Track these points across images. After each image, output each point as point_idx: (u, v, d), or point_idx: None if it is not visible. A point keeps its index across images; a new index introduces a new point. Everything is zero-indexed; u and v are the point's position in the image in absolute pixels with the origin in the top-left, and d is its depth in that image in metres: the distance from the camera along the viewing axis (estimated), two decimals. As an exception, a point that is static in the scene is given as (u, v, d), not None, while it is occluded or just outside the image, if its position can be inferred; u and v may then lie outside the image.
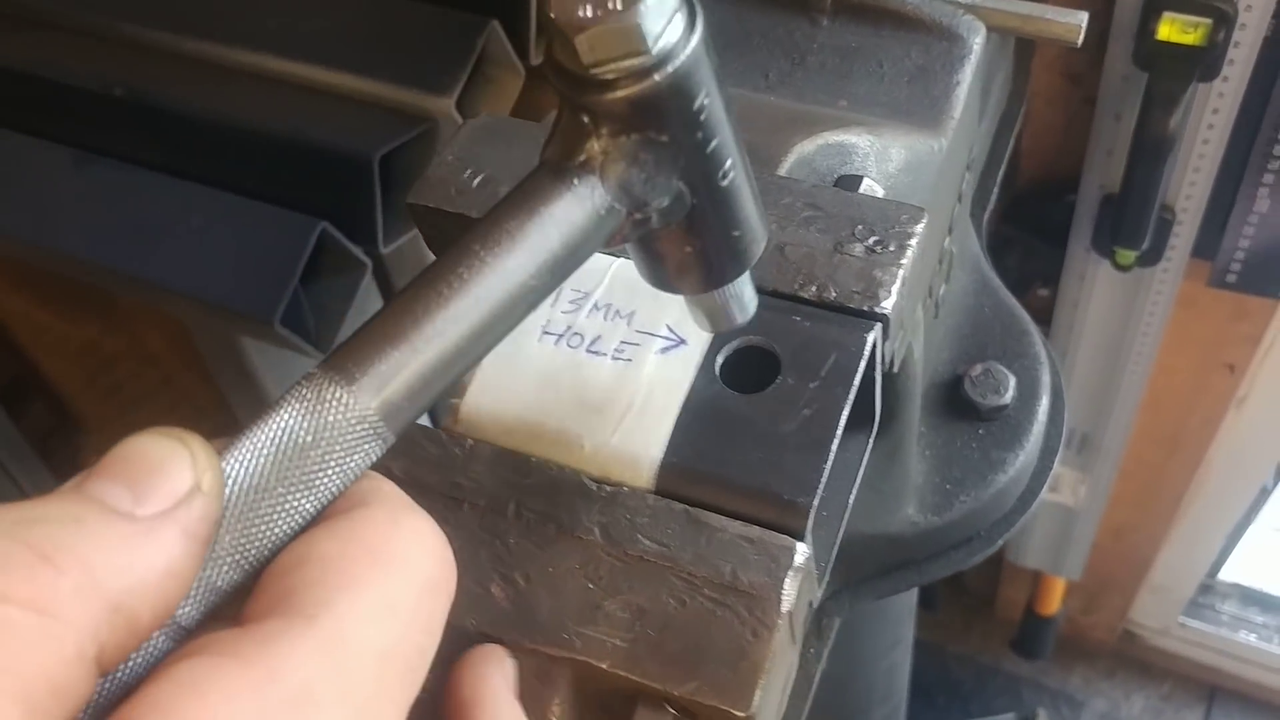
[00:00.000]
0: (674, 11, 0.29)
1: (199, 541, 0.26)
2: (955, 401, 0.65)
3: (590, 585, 0.38)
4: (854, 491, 0.44)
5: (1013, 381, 0.65)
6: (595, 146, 0.30)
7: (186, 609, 0.27)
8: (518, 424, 0.40)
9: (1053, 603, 1.66)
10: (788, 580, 0.36)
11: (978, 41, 0.57)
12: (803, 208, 0.43)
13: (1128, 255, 0.96)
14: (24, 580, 0.23)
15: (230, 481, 0.27)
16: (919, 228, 0.42)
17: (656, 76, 0.29)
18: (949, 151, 0.54)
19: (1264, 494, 1.41)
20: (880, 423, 0.55)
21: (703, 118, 0.30)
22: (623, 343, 0.41)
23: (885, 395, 0.53)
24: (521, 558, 0.39)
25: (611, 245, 0.32)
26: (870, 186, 0.45)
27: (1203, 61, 0.78)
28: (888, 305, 0.40)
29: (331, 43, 0.85)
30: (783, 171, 0.46)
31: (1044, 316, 1.16)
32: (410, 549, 0.29)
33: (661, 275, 0.35)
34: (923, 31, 0.57)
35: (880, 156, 0.49)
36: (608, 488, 0.39)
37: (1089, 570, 1.60)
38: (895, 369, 0.45)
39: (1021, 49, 0.82)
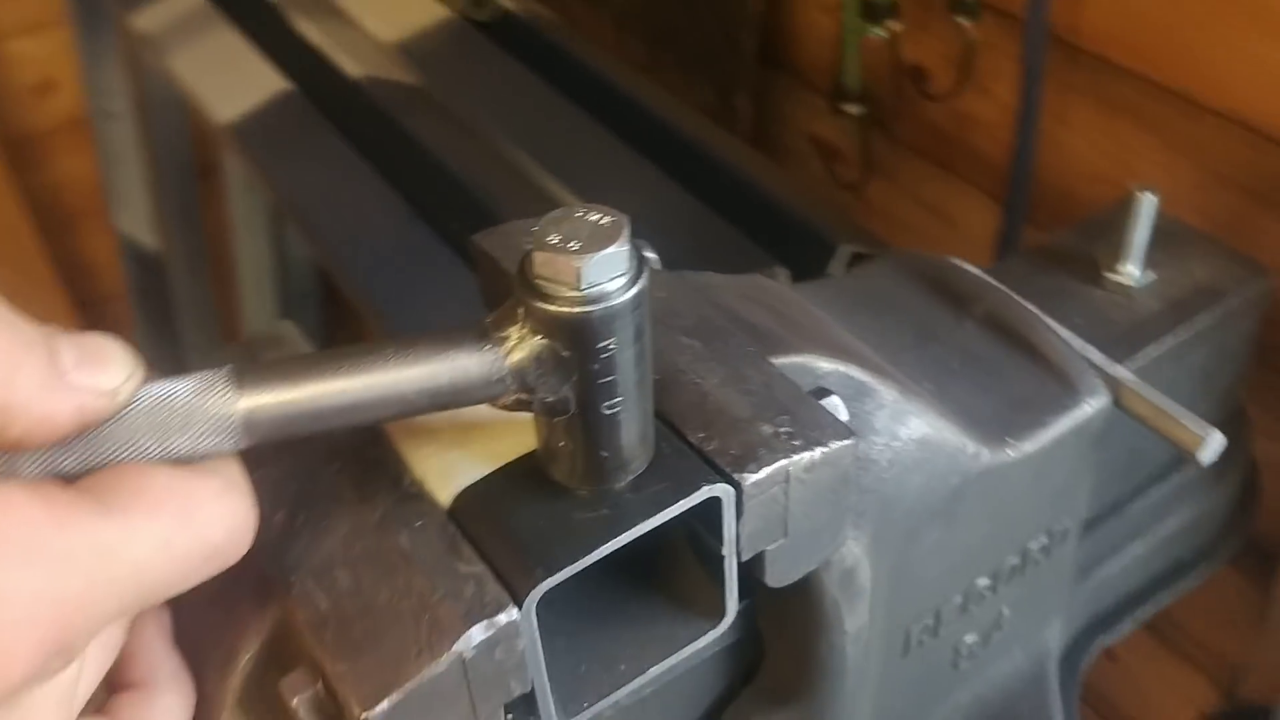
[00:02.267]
0: (618, 273, 0.35)
1: (79, 425, 0.32)
2: (937, 764, 0.60)
3: (342, 549, 0.39)
4: (662, 664, 0.42)
5: (1001, 779, 0.58)
6: (514, 331, 0.37)
7: (29, 467, 0.32)
8: None
9: None
10: (475, 628, 0.36)
11: (1092, 402, 0.55)
12: (757, 385, 0.43)
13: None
14: None
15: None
16: (837, 444, 0.41)
17: (575, 309, 0.35)
18: (994, 474, 0.52)
19: None
20: (790, 684, 0.52)
21: (604, 356, 0.36)
22: (521, 395, 0.43)
23: (797, 646, 0.50)
24: (313, 503, 0.41)
25: (498, 406, 0.38)
26: (835, 405, 0.44)
27: None
28: (748, 477, 0.39)
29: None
30: (778, 363, 0.46)
31: None
32: (215, 520, 0.34)
33: (539, 452, 0.40)
34: (1047, 371, 0.56)
35: (896, 415, 0.48)
36: (415, 489, 0.40)
37: None
38: (767, 578, 0.43)
39: (1247, 504, 0.76)
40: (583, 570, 0.45)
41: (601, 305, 0.35)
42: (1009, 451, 0.52)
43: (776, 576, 0.43)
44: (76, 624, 0.30)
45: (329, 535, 0.40)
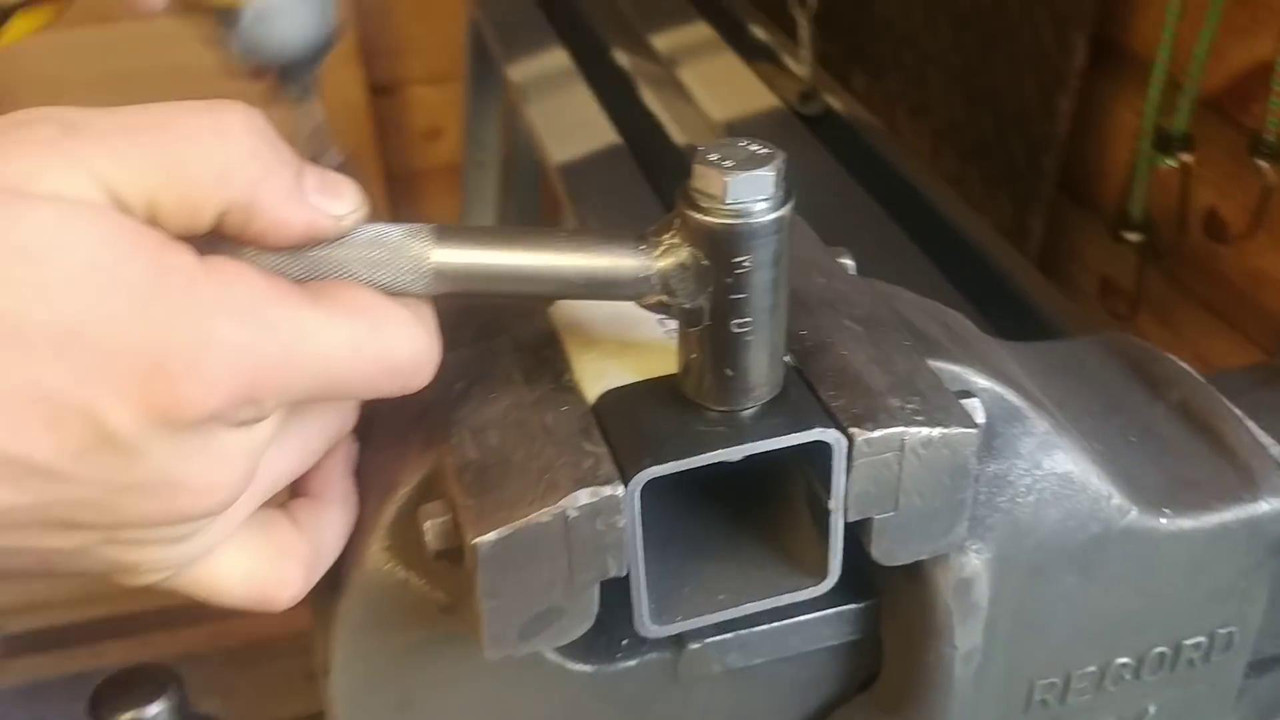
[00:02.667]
0: (763, 195, 0.39)
1: (307, 236, 0.39)
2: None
3: (499, 417, 0.45)
4: (759, 604, 0.46)
5: None
6: (667, 238, 0.42)
7: (267, 263, 0.39)
8: (582, 310, 0.48)
9: None
10: (583, 492, 0.41)
11: (1272, 501, 0.54)
12: (901, 371, 0.46)
13: None
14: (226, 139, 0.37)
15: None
16: (959, 430, 0.44)
17: (718, 220, 0.40)
18: (1142, 539, 0.52)
19: None
20: (898, 694, 0.54)
21: (737, 272, 0.41)
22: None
23: (908, 653, 0.52)
24: (488, 379, 0.47)
25: (642, 305, 0.43)
26: (974, 406, 0.46)
27: None
28: (862, 433, 0.43)
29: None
30: (932, 365, 0.49)
31: None
32: (401, 340, 0.40)
33: (679, 369, 0.44)
34: (1229, 462, 0.55)
35: (1043, 446, 0.50)
36: (571, 384, 0.46)
37: None
38: (874, 551, 0.45)
39: None
40: (702, 509, 0.49)
41: (742, 220, 0.39)
42: (1162, 520, 0.52)
43: (884, 552, 0.46)
44: (267, 385, 0.36)
45: (492, 405, 0.46)
